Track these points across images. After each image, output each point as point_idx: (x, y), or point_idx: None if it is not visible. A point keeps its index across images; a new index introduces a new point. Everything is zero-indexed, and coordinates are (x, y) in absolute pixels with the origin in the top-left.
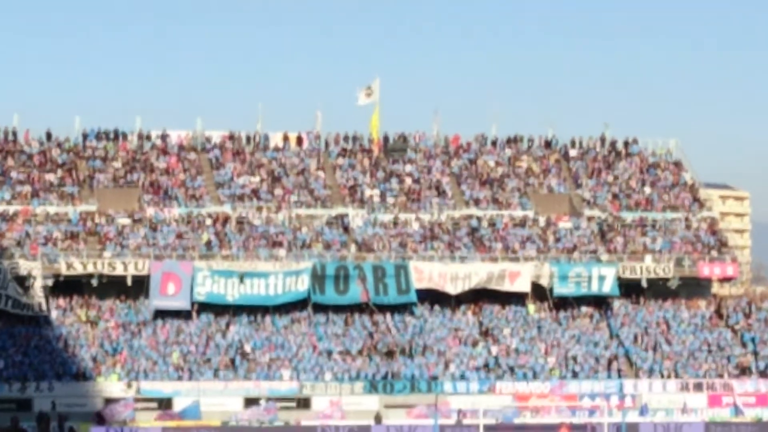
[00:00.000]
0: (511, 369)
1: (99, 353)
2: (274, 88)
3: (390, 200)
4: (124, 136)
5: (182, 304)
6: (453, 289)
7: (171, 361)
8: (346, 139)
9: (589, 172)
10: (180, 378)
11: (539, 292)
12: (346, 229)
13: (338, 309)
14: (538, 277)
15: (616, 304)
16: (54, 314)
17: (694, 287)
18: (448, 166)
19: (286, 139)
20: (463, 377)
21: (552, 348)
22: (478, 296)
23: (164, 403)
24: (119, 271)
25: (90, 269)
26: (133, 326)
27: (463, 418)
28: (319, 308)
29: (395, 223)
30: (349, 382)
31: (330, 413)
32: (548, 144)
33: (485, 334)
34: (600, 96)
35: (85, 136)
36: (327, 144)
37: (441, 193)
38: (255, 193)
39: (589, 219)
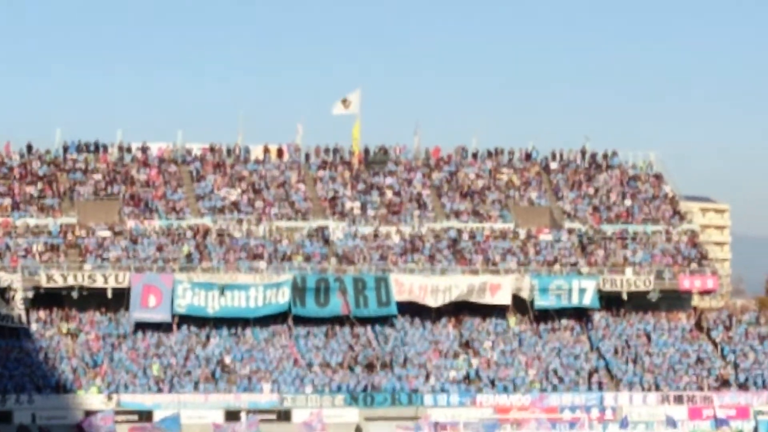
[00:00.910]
0: (492, 382)
1: (79, 366)
2: (255, 100)
3: (371, 213)
4: (105, 148)
5: (162, 316)
6: (433, 301)
7: (151, 373)
8: (326, 151)
9: (570, 184)
10: (160, 390)
11: (520, 305)
12: (327, 241)
13: (319, 321)
14: (519, 289)
15: (597, 316)
16: (34, 326)
17: (674, 300)
18: (428, 179)
19: (266, 151)
20: (443, 390)
21: (533, 360)
22: (459, 309)
23: (144, 416)
24: (99, 283)
25: (70, 281)
26: (113, 338)
27: (441, 430)
28: (300, 321)
29: (376, 236)
30: (330, 394)
31: (311, 424)
32: (529, 156)
33: (466, 346)
34: (580, 109)
35: (65, 149)
36: (307, 156)
37: (421, 205)
38: (235, 205)
39: (570, 231)
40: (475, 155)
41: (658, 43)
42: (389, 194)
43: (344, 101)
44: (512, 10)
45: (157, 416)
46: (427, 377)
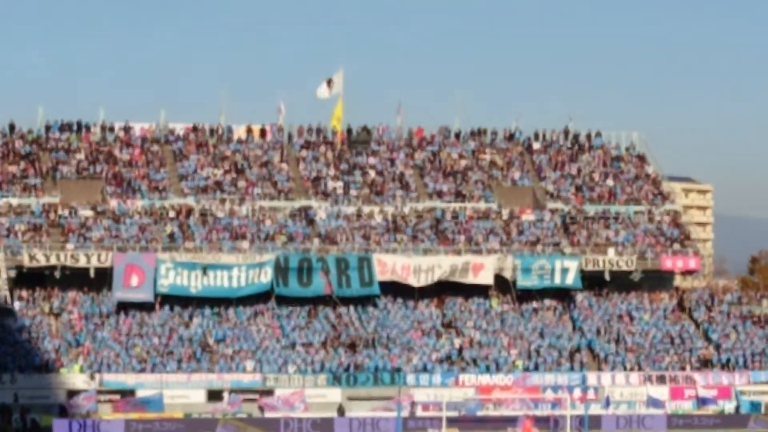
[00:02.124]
0: (474, 361)
1: (62, 345)
2: (238, 80)
3: (353, 193)
4: (88, 127)
5: (145, 296)
6: (416, 281)
7: (134, 353)
8: (309, 131)
9: (553, 164)
10: (143, 370)
11: (502, 285)
12: (310, 221)
13: (301, 301)
14: (501, 269)
15: (579, 296)
16: (17, 306)
17: (656, 280)
18: (411, 159)
19: (249, 131)
20: (425, 369)
21: (515, 340)
22: (441, 289)
23: (127, 395)
24: (82, 263)
25: (53, 261)
26: (96, 318)
27: (423, 410)
28: (283, 300)
29: (359, 216)
30: (313, 374)
31: (292, 404)
32: (511, 137)
33: (448, 326)
34: (563, 89)
35: (48, 128)
36: (290, 136)
37: (404, 185)
38: (218, 185)
39: (553, 212)
40: (457, 135)
41: (642, 23)
42: (372, 174)
43: (329, 82)
44: None
45: (140, 395)
46: (410, 357)
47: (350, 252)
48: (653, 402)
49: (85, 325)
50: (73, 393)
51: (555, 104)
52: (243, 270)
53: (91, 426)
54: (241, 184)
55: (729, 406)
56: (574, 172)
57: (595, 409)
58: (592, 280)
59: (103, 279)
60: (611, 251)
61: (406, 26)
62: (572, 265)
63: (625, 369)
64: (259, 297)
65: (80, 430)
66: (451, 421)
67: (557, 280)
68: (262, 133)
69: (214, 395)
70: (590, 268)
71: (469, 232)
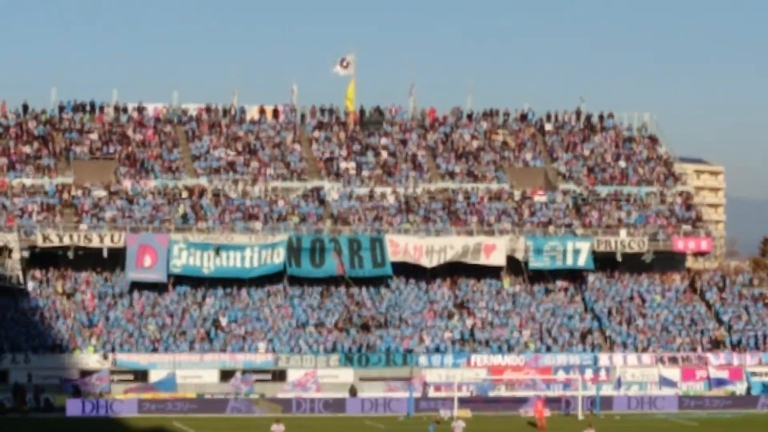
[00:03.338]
0: (486, 342)
1: (75, 325)
2: (251, 61)
3: (366, 173)
4: (101, 108)
5: (158, 276)
6: (428, 262)
7: (147, 333)
8: (322, 112)
9: (565, 146)
10: (155, 350)
11: (514, 266)
12: (322, 202)
13: (314, 282)
14: (514, 250)
15: (591, 277)
16: (30, 286)
17: (668, 261)
18: (423, 140)
19: (262, 112)
20: (438, 350)
21: (527, 321)
22: (453, 269)
23: (140, 375)
24: (95, 243)
25: (66, 241)
26: (109, 298)
27: (436, 390)
28: (295, 281)
29: (371, 196)
30: (325, 354)
31: (305, 385)
32: (524, 118)
33: (460, 307)
34: (576, 70)
35: (61, 108)
36: (303, 117)
37: (417, 166)
38: (231, 165)
39: (565, 193)
40: (470, 116)
41: (655, 4)
42: (384, 155)
43: (342, 62)
44: None
45: (153, 376)
46: (422, 338)
47: (362, 232)
48: (666, 382)
49: (98, 306)
50: (86, 373)
51: (567, 85)
52: (255, 250)
53: (104, 406)
54: (254, 164)
55: (740, 387)
56: (586, 153)
57: (607, 390)
58: (603, 262)
59: (116, 259)
60: (623, 232)
61: (419, 7)
62: (584, 246)
63: (636, 350)
64: (272, 277)
65: (93, 410)
66: (463, 402)
67: (569, 261)
68: (275, 113)
69: (227, 375)
70: (602, 249)
71: (481, 213)
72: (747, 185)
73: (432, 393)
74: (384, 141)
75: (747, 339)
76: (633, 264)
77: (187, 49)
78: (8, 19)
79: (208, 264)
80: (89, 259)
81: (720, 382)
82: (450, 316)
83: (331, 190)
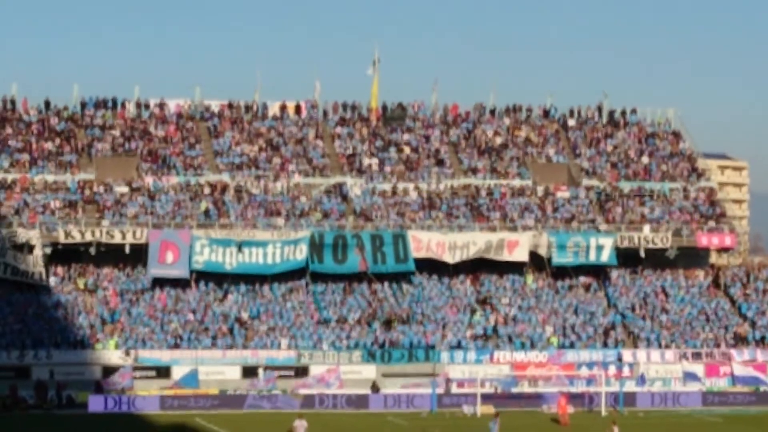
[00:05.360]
0: (509, 338)
1: (97, 321)
2: (273, 57)
3: (388, 169)
4: (123, 104)
5: (180, 272)
6: (451, 258)
7: (169, 329)
8: (344, 107)
9: (588, 141)
10: (178, 346)
11: (537, 262)
12: (345, 198)
13: (336, 278)
14: (537, 246)
15: (614, 273)
16: (52, 282)
17: (691, 257)
18: (446, 136)
19: (284, 108)
20: (460, 346)
21: (550, 317)
22: (476, 265)
23: (162, 372)
24: (117, 239)
25: (88, 238)
26: (131, 294)
27: (458, 387)
28: (318, 277)
29: (394, 192)
30: (347, 350)
31: (327, 381)
32: (547, 113)
33: (483, 303)
34: (599, 65)
35: (83, 105)
36: (325, 113)
37: (439, 162)
38: (253, 161)
39: (588, 189)
40: (492, 112)
41: None
42: (407, 151)
43: (374, 63)
44: None
45: (175, 372)
46: (445, 334)
47: (385, 228)
48: (690, 376)
49: (121, 302)
50: (108, 369)
51: (590, 81)
52: (278, 247)
53: (126, 402)
54: (276, 160)
55: (764, 383)
56: (610, 149)
57: (630, 386)
58: (627, 257)
59: (138, 255)
60: (646, 228)
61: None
62: (607, 242)
63: (660, 346)
64: (294, 273)
65: (116, 406)
66: (486, 398)
67: (592, 257)
68: (297, 109)
69: (249, 371)
70: (625, 245)
71: (504, 209)
72: None
73: (455, 389)
74: (407, 137)
75: None
76: (656, 260)
77: (209, 45)
78: (30, 16)
79: (230, 260)
80: (111, 255)
81: (744, 378)
82: (473, 312)
83: (354, 186)
